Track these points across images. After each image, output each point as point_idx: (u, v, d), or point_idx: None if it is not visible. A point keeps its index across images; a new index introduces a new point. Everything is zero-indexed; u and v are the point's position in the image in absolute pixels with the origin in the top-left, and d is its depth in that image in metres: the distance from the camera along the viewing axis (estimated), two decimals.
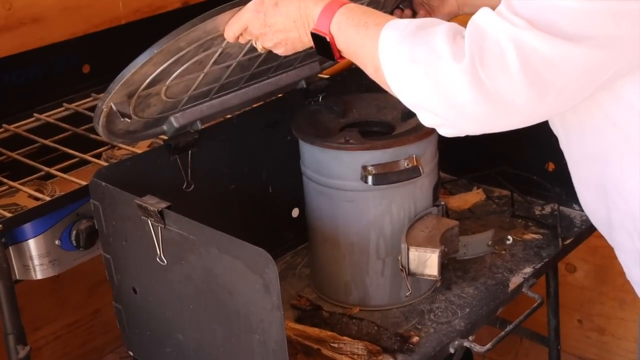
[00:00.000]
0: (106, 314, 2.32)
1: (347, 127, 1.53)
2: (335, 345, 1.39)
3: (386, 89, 1.12)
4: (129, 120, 1.33)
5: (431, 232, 1.45)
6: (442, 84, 1.02)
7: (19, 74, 1.83)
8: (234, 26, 1.26)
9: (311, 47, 1.22)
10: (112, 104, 1.29)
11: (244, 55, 1.40)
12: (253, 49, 1.37)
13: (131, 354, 1.48)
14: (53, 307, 2.20)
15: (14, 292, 1.43)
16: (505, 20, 0.99)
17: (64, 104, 1.89)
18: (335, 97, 1.63)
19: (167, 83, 1.33)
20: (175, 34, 1.23)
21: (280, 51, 1.26)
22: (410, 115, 1.53)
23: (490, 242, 1.54)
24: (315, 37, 1.18)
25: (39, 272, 1.51)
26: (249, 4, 1.24)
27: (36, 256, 1.49)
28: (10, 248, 1.47)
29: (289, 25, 1.20)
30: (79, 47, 1.93)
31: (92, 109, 1.85)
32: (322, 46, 1.18)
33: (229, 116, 1.57)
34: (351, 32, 1.14)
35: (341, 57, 1.18)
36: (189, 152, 1.48)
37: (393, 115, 1.56)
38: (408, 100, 1.09)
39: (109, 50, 1.96)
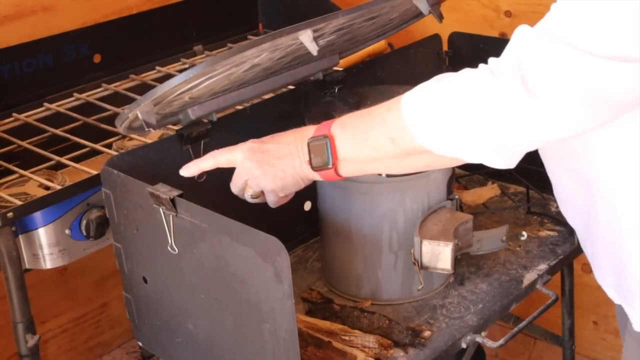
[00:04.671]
0: (114, 308, 2.31)
1: None
2: (347, 338, 1.37)
3: (409, 167, 1.17)
4: (153, 130, 1.34)
5: (445, 225, 1.43)
6: (487, 108, 1.01)
7: (30, 62, 1.82)
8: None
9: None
10: (138, 112, 1.29)
11: (272, 61, 1.40)
12: (283, 56, 1.38)
13: (140, 344, 1.47)
14: (60, 300, 2.19)
15: (24, 280, 1.43)
16: (548, 39, 0.97)
17: (75, 94, 1.88)
18: (350, 89, 1.61)
19: (193, 92, 1.33)
20: (214, 61, 1.24)
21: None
22: None
23: (504, 238, 1.52)
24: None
25: (48, 261, 1.50)
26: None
27: (46, 245, 1.49)
28: (20, 237, 1.47)
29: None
30: (89, 36, 1.91)
31: (103, 99, 1.86)
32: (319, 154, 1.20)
33: (242, 107, 1.56)
34: (357, 122, 1.17)
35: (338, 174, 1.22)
36: (202, 142, 1.47)
37: None
38: (456, 149, 1.07)
39: (120, 40, 1.95)
